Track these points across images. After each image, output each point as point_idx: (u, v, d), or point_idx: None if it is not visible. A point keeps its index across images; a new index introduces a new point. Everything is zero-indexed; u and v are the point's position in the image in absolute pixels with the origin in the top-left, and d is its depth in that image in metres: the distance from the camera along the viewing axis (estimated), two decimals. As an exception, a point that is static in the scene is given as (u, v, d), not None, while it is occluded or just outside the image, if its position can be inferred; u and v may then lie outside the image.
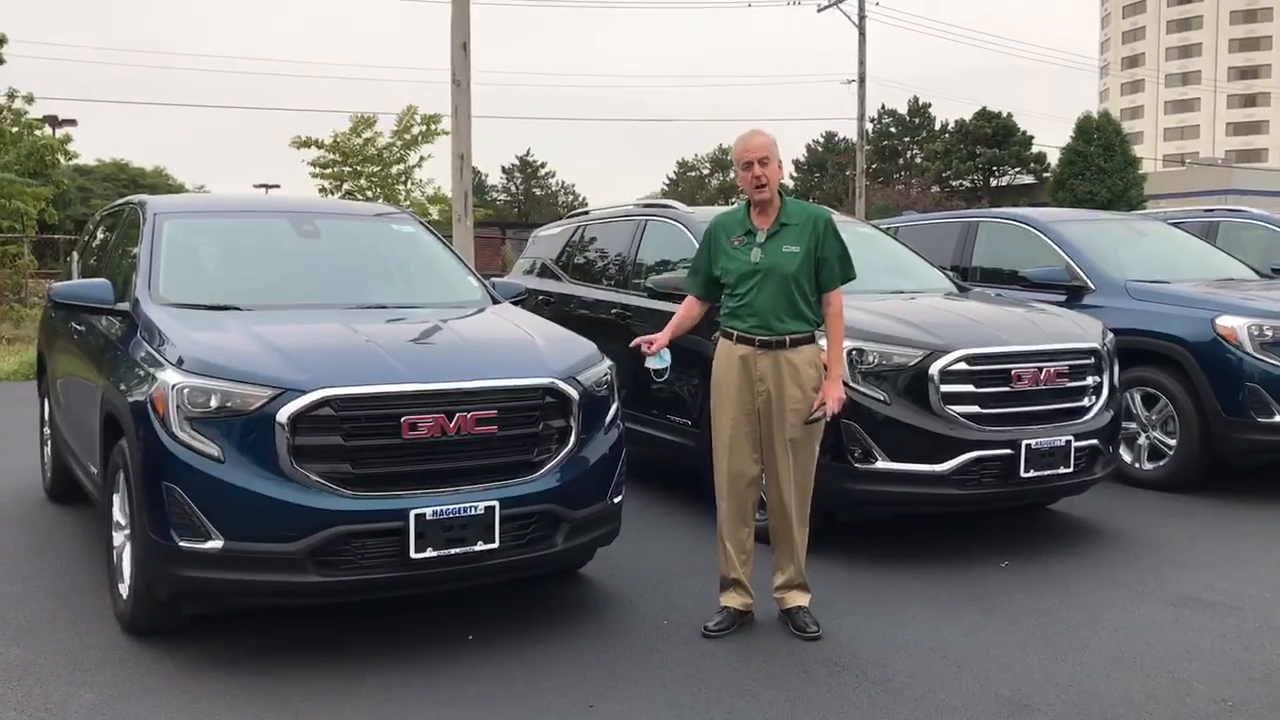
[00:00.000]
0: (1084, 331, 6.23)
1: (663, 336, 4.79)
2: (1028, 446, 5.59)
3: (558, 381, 4.60)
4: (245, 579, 4.18)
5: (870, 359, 5.62)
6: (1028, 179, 57.13)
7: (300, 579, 4.16)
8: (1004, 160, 57.77)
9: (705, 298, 4.87)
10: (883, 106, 64.75)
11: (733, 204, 5.10)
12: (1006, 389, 5.69)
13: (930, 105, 64.66)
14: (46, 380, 7.10)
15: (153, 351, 4.56)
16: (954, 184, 57.71)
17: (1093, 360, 6.03)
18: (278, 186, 52.94)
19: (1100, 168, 46.61)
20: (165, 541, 4.19)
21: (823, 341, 4.71)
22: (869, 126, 45.58)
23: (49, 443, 7.07)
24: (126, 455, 4.51)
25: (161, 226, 5.56)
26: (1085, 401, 5.95)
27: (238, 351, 4.44)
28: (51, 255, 24.01)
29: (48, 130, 23.91)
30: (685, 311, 4.90)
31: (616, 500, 4.91)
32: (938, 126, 63.39)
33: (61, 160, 21.54)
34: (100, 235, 6.86)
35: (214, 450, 4.17)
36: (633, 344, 4.84)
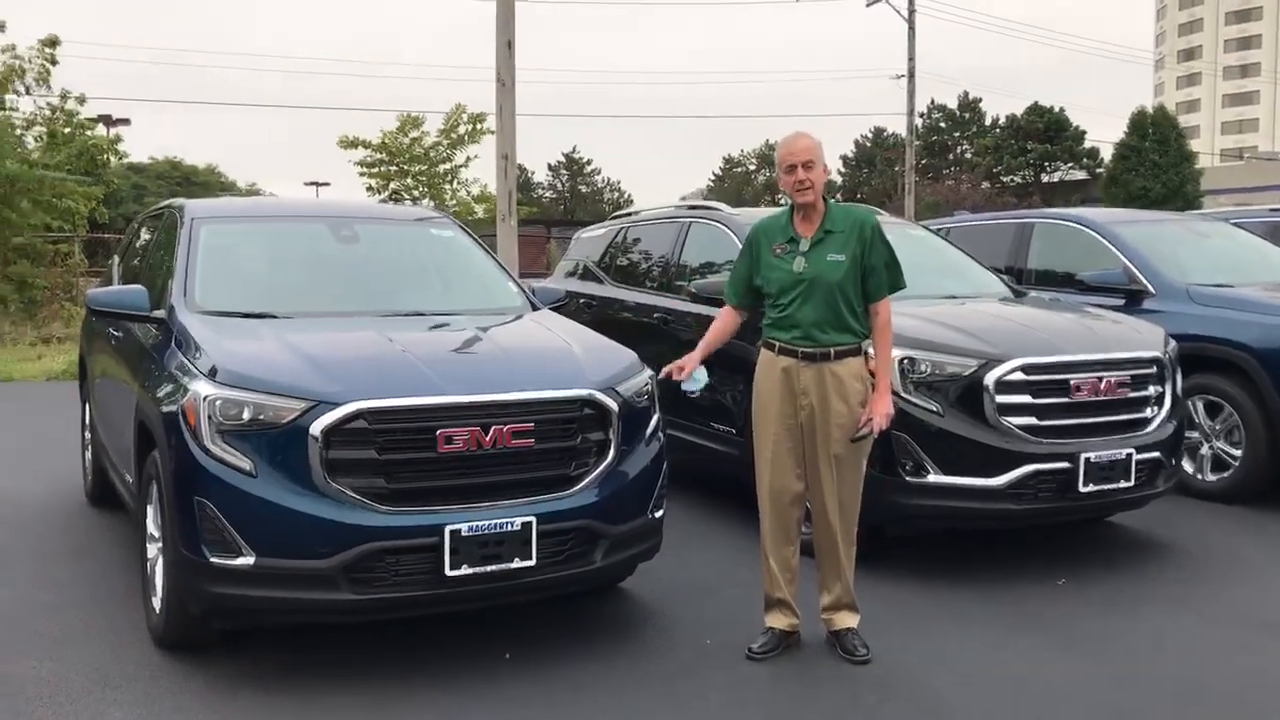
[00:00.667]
0: (1145, 339, 5.99)
1: (693, 358, 4.56)
2: (1087, 460, 5.37)
3: (596, 393, 4.46)
4: (277, 596, 4.08)
5: (922, 368, 5.42)
6: (1080, 175, 56.27)
7: (333, 596, 4.05)
8: (1056, 156, 56.98)
9: (745, 307, 4.68)
10: (932, 101, 64.02)
11: (779, 202, 4.92)
12: (1065, 400, 5.48)
13: (981, 100, 63.82)
14: (88, 384, 7.09)
15: (186, 361, 4.47)
16: (1004, 180, 56.95)
17: (1155, 369, 5.79)
18: (328, 184, 53.35)
19: (1155, 163, 45.78)
20: (196, 557, 4.10)
21: (871, 350, 4.52)
22: (918, 122, 45.07)
23: (89, 447, 7.06)
24: (159, 466, 4.44)
25: (198, 232, 5.48)
26: (1147, 412, 5.72)
27: (271, 362, 4.34)
28: (103, 253, 24.24)
29: (99, 130, 24.19)
30: (721, 325, 4.69)
31: (658, 515, 4.76)
32: (988, 122, 62.55)
33: (112, 159, 21.74)
34: (140, 239, 6.81)
35: (246, 464, 4.08)
36: (662, 374, 4.59)
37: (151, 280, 5.64)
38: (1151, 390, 5.75)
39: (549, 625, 4.84)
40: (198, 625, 4.39)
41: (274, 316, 4.96)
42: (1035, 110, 57.35)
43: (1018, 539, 6.08)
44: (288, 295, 5.27)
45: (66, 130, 19.54)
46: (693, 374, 4.52)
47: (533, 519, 4.21)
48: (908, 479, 5.34)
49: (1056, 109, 57.15)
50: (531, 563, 4.22)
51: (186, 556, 4.14)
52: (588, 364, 4.68)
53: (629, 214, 9.05)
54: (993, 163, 57.36)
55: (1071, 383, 5.49)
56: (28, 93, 18.66)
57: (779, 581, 4.55)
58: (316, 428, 4.03)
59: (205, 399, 4.14)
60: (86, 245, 21.84)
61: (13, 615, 4.99)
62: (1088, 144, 56.66)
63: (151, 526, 4.70)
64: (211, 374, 4.25)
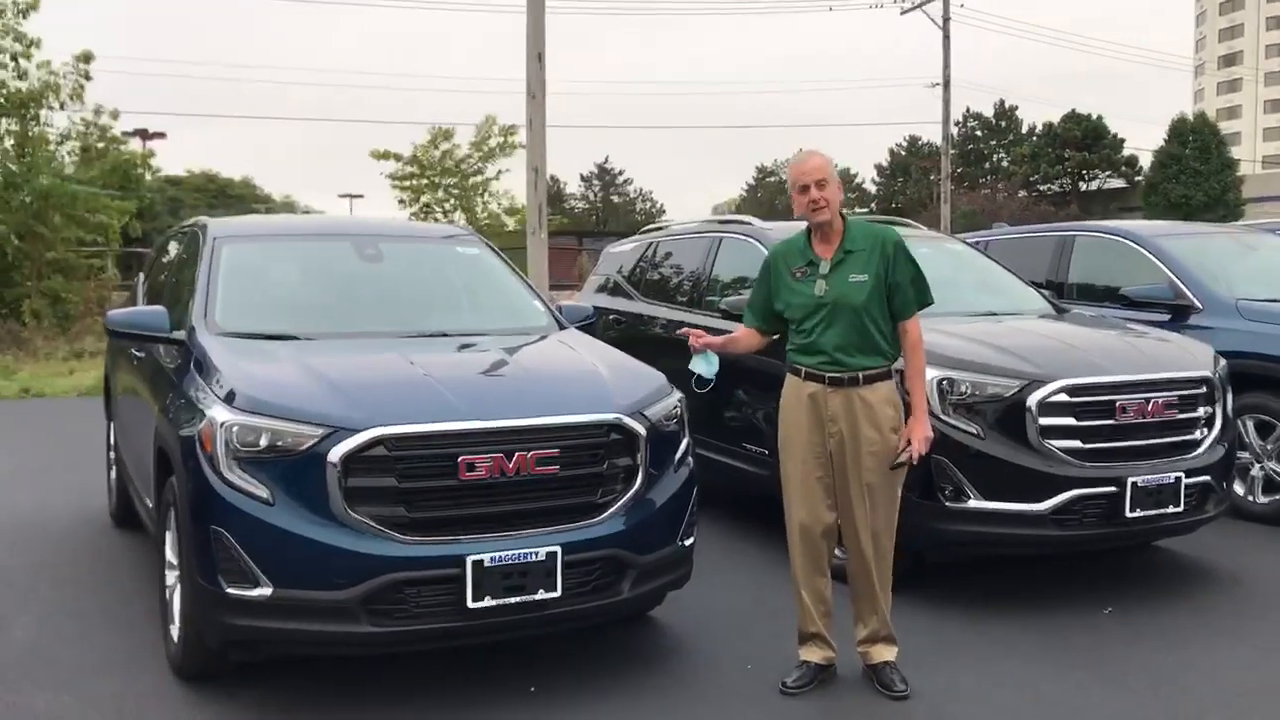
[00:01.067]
0: (1194, 358, 5.77)
1: (715, 340, 4.46)
2: (1134, 484, 5.16)
3: (624, 418, 4.32)
4: (295, 628, 3.96)
5: (962, 389, 5.24)
6: (1118, 183, 55.70)
7: (352, 629, 3.93)
8: (1094, 164, 56.39)
9: (765, 329, 4.52)
10: (968, 109, 63.54)
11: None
12: (1111, 422, 5.27)
13: (1017, 108, 63.30)
14: (112, 402, 7.02)
15: (204, 385, 4.37)
16: (1041, 188, 56.42)
17: (1204, 389, 5.57)
18: (361, 197, 53.62)
19: (1196, 170, 45.25)
20: (213, 587, 3.99)
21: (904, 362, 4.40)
22: (954, 130, 44.69)
23: (114, 467, 6.99)
24: (175, 493, 4.33)
25: (220, 251, 5.39)
26: (1196, 434, 5.50)
27: (289, 387, 4.23)
28: (137, 267, 24.43)
29: (134, 145, 24.40)
30: (744, 335, 4.58)
31: (687, 543, 4.61)
32: (1024, 130, 62.02)
33: (146, 174, 21.87)
34: (166, 257, 6.75)
35: (263, 492, 3.96)
36: (680, 331, 4.57)
37: (173, 300, 5.56)
38: (1201, 411, 5.54)
39: (574, 656, 4.69)
40: (216, 656, 4.28)
41: (295, 338, 4.85)
42: (1072, 118, 56.81)
43: (1061, 565, 5.88)
44: (310, 316, 5.17)
45: (100, 145, 19.66)
46: (707, 355, 4.41)
47: (558, 549, 4.07)
48: (947, 504, 5.15)
49: (1094, 116, 56.59)
50: (556, 594, 4.08)
51: (203, 587, 4.03)
52: (615, 387, 4.53)
53: (659, 228, 8.92)
54: (1029, 171, 56.86)
55: (1117, 404, 5.28)
56: (62, 108, 18.82)
57: (812, 615, 4.39)
58: (335, 455, 3.91)
59: (222, 425, 4.04)
60: (120, 259, 21.98)
61: (33, 643, 4.91)
62: (1126, 152, 56.06)
63: (170, 554, 4.60)
64: (229, 399, 4.14)
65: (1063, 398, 5.21)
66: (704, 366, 4.42)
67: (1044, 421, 5.18)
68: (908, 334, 4.27)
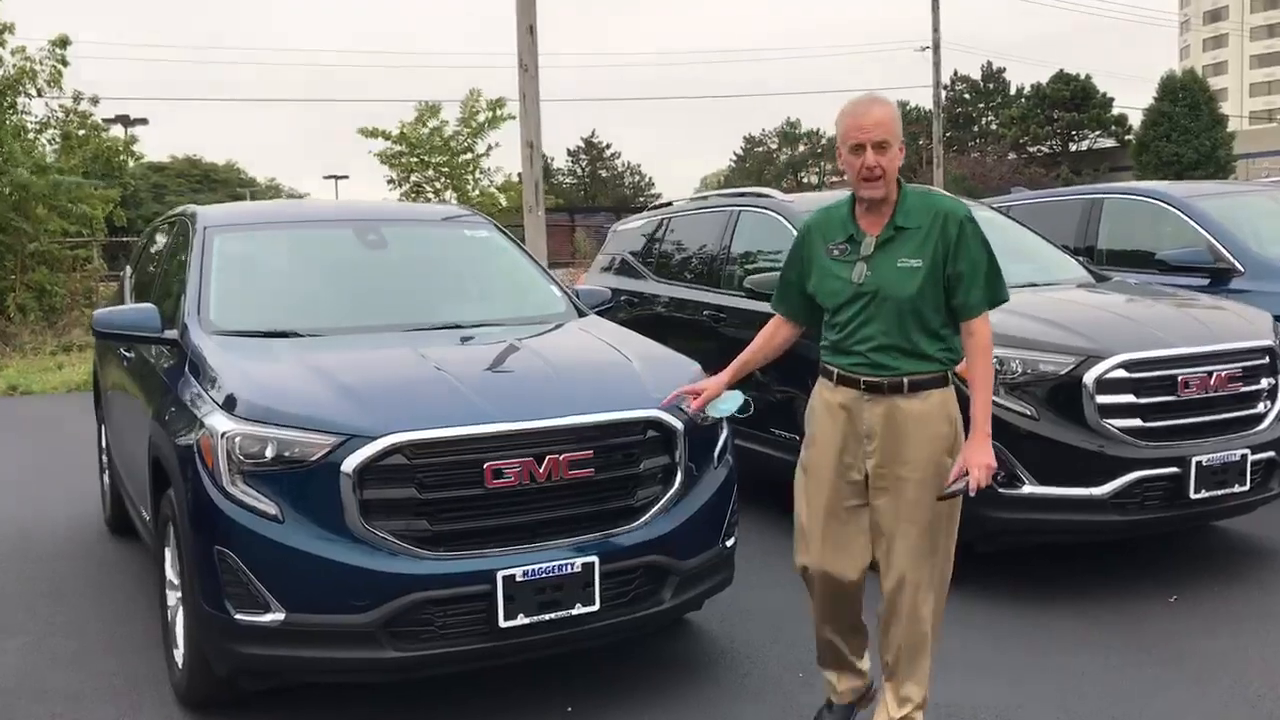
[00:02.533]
0: (1254, 327, 5.42)
1: (717, 381, 3.66)
2: (1198, 464, 4.84)
3: (661, 413, 3.96)
4: (311, 656, 3.62)
5: (1013, 368, 4.90)
6: (1109, 142, 55.33)
7: (374, 655, 3.59)
8: (1083, 124, 56.01)
9: (800, 320, 3.61)
10: (955, 73, 63.07)
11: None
12: (1172, 398, 4.94)
13: (1005, 70, 62.89)
14: (103, 403, 6.65)
15: (201, 391, 4.00)
16: (1031, 150, 56.04)
17: (1266, 360, 5.24)
18: (346, 178, 53.03)
19: (1186, 128, 44.85)
20: (219, 613, 3.64)
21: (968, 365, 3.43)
22: (941, 95, 44.21)
23: (107, 471, 6.63)
24: (175, 509, 3.98)
25: (212, 242, 5.01)
26: (1259, 408, 5.17)
27: (296, 391, 3.86)
28: (123, 257, 23.95)
29: (115, 132, 23.84)
30: (766, 339, 3.66)
31: (729, 544, 4.27)
32: (1013, 91, 61.56)
33: (130, 161, 21.36)
34: (153, 248, 6.36)
35: (271, 508, 3.61)
36: (665, 401, 3.83)
37: (163, 296, 5.19)
38: (1264, 383, 5.21)
39: (610, 669, 4.36)
40: (224, 683, 3.94)
41: (297, 335, 4.49)
42: (1061, 78, 56.39)
43: (1119, 550, 5.55)
44: (311, 310, 4.80)
45: (81, 133, 19.15)
46: (718, 399, 3.65)
47: (595, 559, 3.74)
48: (1000, 490, 4.81)
49: (1083, 76, 56.15)
50: (595, 607, 3.75)
51: (208, 612, 3.69)
52: (649, 380, 4.18)
53: (667, 204, 8.54)
54: (1019, 133, 56.49)
55: (1179, 379, 4.95)
56: (39, 95, 18.30)
57: (841, 653, 3.68)
58: (349, 465, 3.56)
59: (223, 436, 3.68)
60: (106, 249, 21.49)
61: (25, 667, 4.56)
62: (1116, 111, 55.68)
63: (170, 572, 4.25)
64: (229, 406, 3.78)
65: (1121, 374, 4.87)
66: (728, 405, 3.69)
67: (1102, 400, 4.84)
68: (974, 336, 3.29)
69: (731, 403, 3.67)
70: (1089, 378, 4.84)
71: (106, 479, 6.66)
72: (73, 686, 4.35)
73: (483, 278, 5.45)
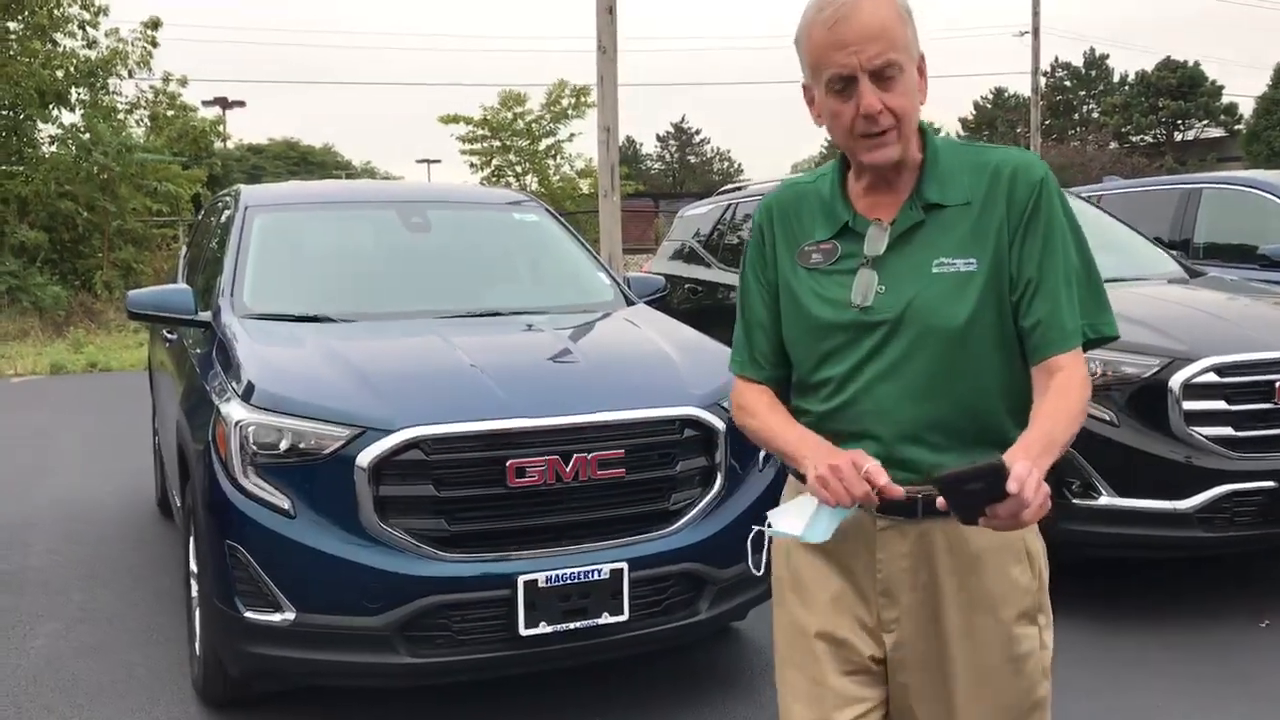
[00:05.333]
0: (1363, 329, 4.96)
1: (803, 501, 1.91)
2: (1297, 478, 4.43)
3: (700, 411, 3.70)
4: (321, 659, 3.44)
5: (1092, 369, 4.52)
6: (1217, 132, 53.32)
7: (387, 659, 3.40)
8: (1189, 113, 54.03)
9: (772, 378, 2.09)
10: (1056, 59, 61.24)
11: None
12: (1269, 405, 4.53)
13: (1108, 56, 60.88)
14: (153, 384, 6.60)
15: (223, 377, 3.85)
16: (1134, 139, 54.29)
17: (1376, 366, 4.79)
18: (439, 162, 53.56)
19: (1301, 117, 42.95)
20: (230, 611, 3.48)
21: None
22: (1040, 81, 43.02)
23: (159, 451, 6.58)
24: (192, 498, 3.84)
25: (252, 222, 4.87)
26: (1367, 418, 4.73)
27: (313, 380, 3.69)
28: (210, 236, 24.39)
29: (208, 112, 24.21)
30: (770, 403, 2.08)
31: (774, 552, 3.99)
32: (1116, 79, 59.67)
33: (216, 142, 21.68)
34: (205, 229, 6.27)
35: (283, 502, 3.43)
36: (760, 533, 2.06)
37: (204, 276, 5.07)
38: (1373, 392, 4.75)
39: (644, 684, 4.12)
40: (239, 683, 3.79)
41: (329, 320, 4.32)
42: (1167, 65, 54.43)
43: (1201, 567, 5.15)
44: (347, 294, 4.63)
45: (169, 113, 19.46)
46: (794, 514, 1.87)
47: (624, 565, 3.50)
48: (1075, 501, 4.47)
49: (1190, 63, 54.15)
50: (623, 617, 3.51)
51: (219, 609, 3.53)
52: (689, 374, 3.91)
53: (738, 188, 8.25)
54: (1121, 122, 54.69)
55: (1276, 384, 4.53)
56: (130, 76, 18.63)
57: None
58: (364, 459, 3.37)
59: (237, 425, 3.51)
60: (191, 228, 21.85)
61: (52, 657, 4.47)
62: (1225, 99, 53.61)
63: (193, 564, 4.12)
64: (246, 394, 3.61)
65: (1211, 378, 4.48)
66: (828, 521, 1.86)
67: (1189, 406, 4.46)
68: (1057, 375, 1.85)
69: (830, 519, 1.85)
70: (1175, 381, 4.45)
71: (158, 460, 6.61)
72: (96, 679, 4.24)
73: (528, 264, 5.24)
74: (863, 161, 1.93)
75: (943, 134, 2.05)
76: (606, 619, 3.49)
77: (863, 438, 1.89)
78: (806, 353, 1.99)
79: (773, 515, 1.93)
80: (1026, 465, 1.63)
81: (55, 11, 18.02)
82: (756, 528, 2.02)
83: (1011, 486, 1.61)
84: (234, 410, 3.56)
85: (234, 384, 3.73)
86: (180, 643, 4.41)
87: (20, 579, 5.43)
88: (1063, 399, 1.82)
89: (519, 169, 24.37)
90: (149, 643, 4.58)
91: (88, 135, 17.62)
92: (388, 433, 3.38)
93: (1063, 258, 1.88)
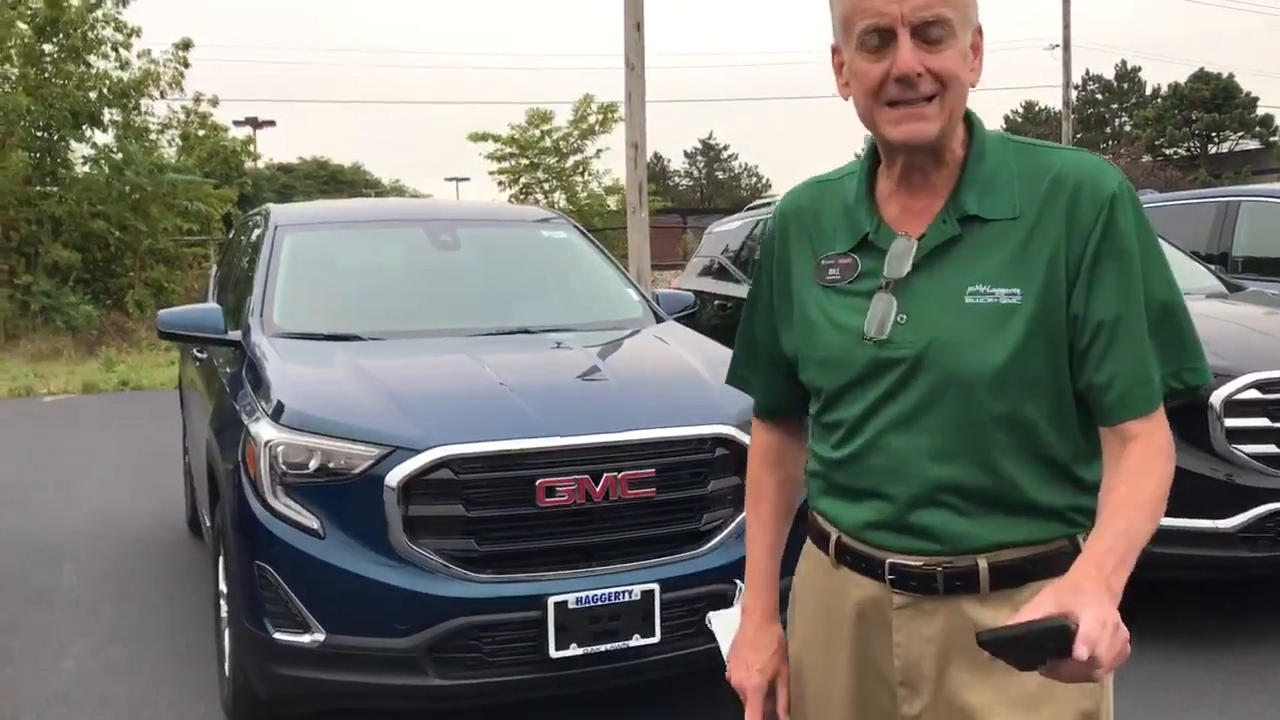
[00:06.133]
0: None
1: (767, 630, 1.82)
2: (1343, 497, 4.32)
3: (731, 430, 3.65)
4: (350, 680, 3.41)
5: (1130, 386, 4.45)
6: (1252, 144, 52.84)
7: (416, 681, 3.36)
8: (1224, 125, 53.57)
9: (783, 410, 1.85)
10: (1087, 72, 60.91)
11: None
12: (1306, 426, 4.43)
13: (1140, 69, 60.52)
14: (183, 403, 6.62)
15: (253, 396, 3.84)
16: (1167, 152, 53.86)
17: None
18: (467, 180, 53.81)
19: (1337, 129, 42.54)
20: (259, 631, 3.46)
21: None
22: (1071, 94, 42.80)
23: (189, 470, 6.60)
24: (222, 518, 3.83)
25: (282, 241, 4.87)
26: None
27: (343, 399, 3.67)
28: (242, 255, 24.56)
29: (239, 132, 24.41)
30: (773, 489, 1.87)
31: (807, 572, 3.93)
32: (1148, 91, 59.28)
33: (248, 162, 21.87)
34: (236, 248, 6.29)
35: (313, 522, 3.41)
36: None
37: (235, 295, 5.08)
38: None
39: (675, 707, 4.07)
40: (267, 705, 3.77)
41: (359, 338, 4.30)
42: (1200, 77, 54.03)
43: (1244, 589, 5.04)
44: (376, 312, 4.62)
45: (201, 133, 19.65)
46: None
47: (655, 586, 3.45)
48: (1113, 521, 4.38)
49: (1225, 75, 53.72)
50: (654, 639, 3.46)
51: (248, 630, 3.51)
52: (720, 392, 3.83)
53: (766, 203, 8.22)
54: (1154, 135, 54.27)
55: (1322, 402, 4.44)
56: (162, 96, 18.85)
57: None
58: (394, 478, 3.34)
59: (267, 444, 3.49)
60: (222, 248, 22.04)
61: (83, 674, 4.47)
62: (1261, 111, 53.14)
63: (223, 584, 4.10)
64: (276, 414, 3.59)
65: (1253, 394, 4.39)
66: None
67: (1230, 423, 4.36)
68: (1132, 442, 1.51)
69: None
70: (1216, 398, 4.36)
71: (188, 479, 6.62)
72: (126, 697, 4.24)
73: (557, 281, 5.22)
74: (890, 139, 1.54)
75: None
76: (638, 641, 3.44)
77: (872, 496, 1.61)
78: (816, 388, 1.70)
79: (714, 617, 1.92)
80: (1098, 619, 1.27)
81: (90, 34, 18.26)
82: (710, 615, 1.96)
83: (1080, 651, 1.26)
84: (263, 430, 3.55)
85: (263, 403, 3.71)
86: (209, 663, 4.39)
87: (51, 597, 5.44)
88: (1143, 479, 1.48)
89: (547, 186, 24.45)
90: (178, 662, 4.57)
91: (120, 155, 17.81)
92: (417, 452, 3.36)
93: (1142, 294, 1.51)
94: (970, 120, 1.60)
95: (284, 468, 3.46)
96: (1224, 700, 3.97)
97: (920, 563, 1.57)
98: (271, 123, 41.87)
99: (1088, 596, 1.32)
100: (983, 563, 1.56)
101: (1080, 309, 1.52)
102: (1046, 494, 1.56)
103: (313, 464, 3.45)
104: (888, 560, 1.60)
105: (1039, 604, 1.33)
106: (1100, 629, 1.27)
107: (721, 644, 1.88)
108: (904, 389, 1.57)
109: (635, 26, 14.04)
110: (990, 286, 1.53)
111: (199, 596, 5.36)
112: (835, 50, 1.61)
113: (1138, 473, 1.48)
